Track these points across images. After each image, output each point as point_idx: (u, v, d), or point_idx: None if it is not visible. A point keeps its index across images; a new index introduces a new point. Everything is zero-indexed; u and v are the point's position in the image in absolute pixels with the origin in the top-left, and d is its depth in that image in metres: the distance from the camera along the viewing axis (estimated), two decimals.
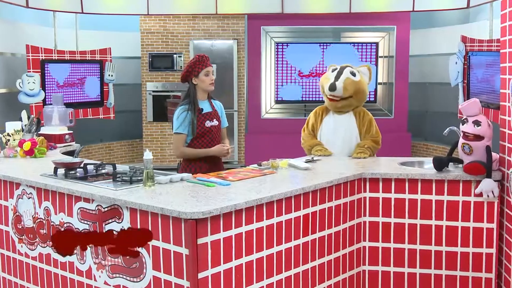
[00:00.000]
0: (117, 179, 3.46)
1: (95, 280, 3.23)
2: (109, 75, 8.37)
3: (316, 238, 3.42)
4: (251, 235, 3.01)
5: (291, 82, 9.14)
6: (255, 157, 8.67)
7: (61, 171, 3.70)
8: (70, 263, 3.37)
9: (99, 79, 8.35)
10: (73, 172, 3.68)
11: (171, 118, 9.08)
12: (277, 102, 9.21)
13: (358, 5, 7.95)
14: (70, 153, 5.13)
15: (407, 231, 3.75)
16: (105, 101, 8.42)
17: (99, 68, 8.32)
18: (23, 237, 3.69)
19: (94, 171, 3.75)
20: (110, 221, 3.10)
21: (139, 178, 3.42)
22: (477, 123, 3.63)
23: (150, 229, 2.91)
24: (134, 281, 3.02)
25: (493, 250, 3.66)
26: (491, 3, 6.75)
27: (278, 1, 8.01)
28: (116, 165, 3.85)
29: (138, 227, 2.96)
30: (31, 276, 3.68)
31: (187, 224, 2.73)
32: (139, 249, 2.97)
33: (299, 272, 3.33)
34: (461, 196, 3.66)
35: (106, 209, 3.11)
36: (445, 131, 3.98)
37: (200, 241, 2.75)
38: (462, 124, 3.74)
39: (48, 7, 7.49)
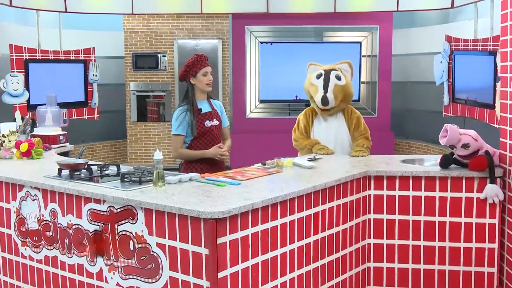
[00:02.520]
0: (125, 179, 3.44)
1: (106, 282, 3.20)
2: (93, 75, 8.28)
3: (325, 236, 3.45)
4: (266, 234, 3.02)
5: (275, 81, 9.16)
6: (240, 156, 8.67)
7: (65, 172, 3.66)
8: (79, 265, 3.33)
9: (83, 79, 8.24)
10: (78, 173, 3.63)
11: (152, 118, 9.16)
12: (261, 101, 9.23)
13: (342, 5, 8.03)
14: (65, 154, 5.08)
15: (411, 227, 3.80)
16: (89, 101, 8.32)
17: (83, 68, 8.21)
18: (27, 239, 3.63)
19: (99, 171, 3.71)
20: (123, 222, 3.08)
21: (148, 178, 3.40)
22: (466, 146, 3.69)
23: (166, 229, 2.90)
24: (149, 282, 3.00)
25: (495, 245, 3.73)
26: (475, 3, 6.87)
27: (263, 1, 8.03)
28: (120, 165, 3.82)
29: (154, 227, 2.95)
30: (36, 279, 3.63)
31: (207, 224, 2.72)
32: (155, 250, 2.96)
33: (310, 270, 3.35)
34: (464, 193, 3.72)
35: (119, 210, 3.08)
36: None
37: (220, 240, 2.75)
38: (452, 149, 3.80)
39: (31, 6, 7.38)
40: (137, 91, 8.99)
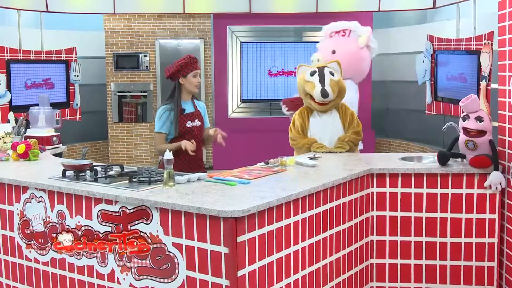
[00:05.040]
0: (133, 180, 3.42)
1: (119, 283, 3.18)
2: (75, 75, 8.16)
3: (333, 234, 3.49)
4: (280, 232, 3.04)
5: (256, 81, 9.19)
6: (222, 156, 8.68)
7: (69, 173, 3.62)
8: (88, 267, 3.30)
9: (65, 79, 8.13)
10: (83, 174, 3.60)
11: (129, 119, 9.06)
12: (243, 101, 9.25)
13: (324, 5, 8.12)
14: (58, 155, 5.02)
15: (413, 224, 3.87)
16: (71, 102, 8.21)
17: (64, 68, 8.09)
18: (32, 242, 3.58)
19: (103, 172, 3.68)
20: (136, 222, 3.06)
21: (156, 178, 3.39)
22: (479, 118, 3.78)
23: (183, 229, 2.90)
24: (164, 282, 2.99)
25: (495, 240, 3.83)
26: (458, 3, 7.02)
27: (245, 1, 8.06)
28: (124, 166, 3.80)
29: (170, 227, 2.94)
30: (42, 282, 3.58)
31: (226, 223, 2.73)
32: (171, 250, 2.95)
33: (320, 267, 3.38)
34: (464, 189, 3.81)
35: (132, 210, 3.07)
36: (444, 127, 4.12)
37: (239, 239, 2.76)
38: (463, 121, 3.86)
39: (12, 5, 7.25)
40: (118, 92, 8.90)
